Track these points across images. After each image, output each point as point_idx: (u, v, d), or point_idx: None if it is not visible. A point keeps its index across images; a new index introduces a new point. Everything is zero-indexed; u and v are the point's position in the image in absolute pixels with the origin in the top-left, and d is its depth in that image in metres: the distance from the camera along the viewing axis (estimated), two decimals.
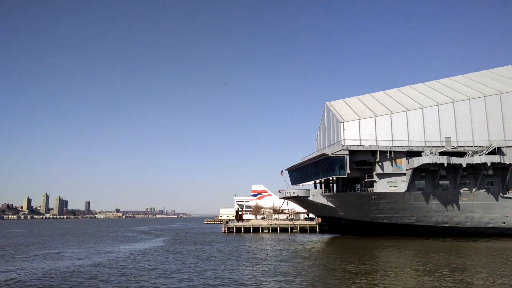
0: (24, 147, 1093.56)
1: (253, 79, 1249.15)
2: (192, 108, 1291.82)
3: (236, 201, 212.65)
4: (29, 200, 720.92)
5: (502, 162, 75.90)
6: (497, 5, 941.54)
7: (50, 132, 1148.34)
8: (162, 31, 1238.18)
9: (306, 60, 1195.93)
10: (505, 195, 78.57)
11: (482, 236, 77.41)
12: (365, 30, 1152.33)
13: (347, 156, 77.23)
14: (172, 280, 34.71)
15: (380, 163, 79.02)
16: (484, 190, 78.72)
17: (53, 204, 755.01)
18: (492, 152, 78.37)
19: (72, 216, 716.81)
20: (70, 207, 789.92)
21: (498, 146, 79.24)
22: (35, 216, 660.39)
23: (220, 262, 46.28)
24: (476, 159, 75.72)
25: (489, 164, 75.20)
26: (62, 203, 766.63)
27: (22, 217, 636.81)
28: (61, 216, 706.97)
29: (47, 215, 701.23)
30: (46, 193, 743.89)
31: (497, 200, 78.53)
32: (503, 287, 29.69)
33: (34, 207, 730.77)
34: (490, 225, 78.80)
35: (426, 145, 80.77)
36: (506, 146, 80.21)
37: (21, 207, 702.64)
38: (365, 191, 79.27)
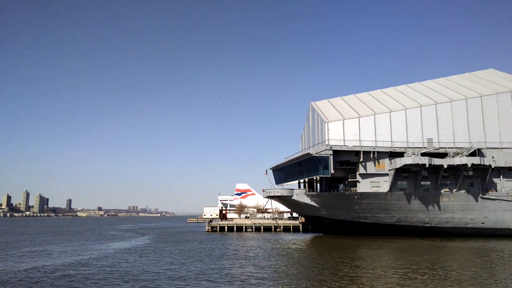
0: (3, 144, 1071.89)
1: (238, 79, 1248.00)
2: (175, 107, 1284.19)
3: (220, 200, 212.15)
4: (8, 198, 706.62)
5: (482, 163, 77.38)
6: (480, 8, 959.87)
7: (30, 129, 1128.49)
8: (149, 30, 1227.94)
9: (292, 59, 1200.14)
10: (484, 196, 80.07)
11: (462, 236, 78.74)
12: (351, 31, 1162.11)
13: (331, 156, 77.79)
14: (151, 277, 34.44)
15: (363, 163, 79.78)
16: (464, 191, 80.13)
17: (34, 201, 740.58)
18: (473, 154, 79.84)
19: (53, 214, 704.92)
20: (51, 205, 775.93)
21: (479, 147, 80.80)
22: (14, 214, 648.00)
23: (203, 260, 46.07)
24: (457, 160, 77.05)
25: (469, 166, 76.58)
26: (43, 201, 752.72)
27: (2, 214, 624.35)
28: (42, 214, 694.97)
29: (27, 212, 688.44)
30: (26, 191, 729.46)
31: (476, 201, 79.99)
32: (479, 285, 30.21)
33: (14, 204, 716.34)
34: (470, 225, 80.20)
35: (409, 146, 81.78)
36: (486, 148, 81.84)
37: (1, 205, 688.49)
38: (348, 191, 79.86)
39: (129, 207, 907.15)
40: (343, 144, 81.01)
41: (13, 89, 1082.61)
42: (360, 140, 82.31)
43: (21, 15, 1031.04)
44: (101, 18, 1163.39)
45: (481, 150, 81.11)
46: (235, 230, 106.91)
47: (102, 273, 37.44)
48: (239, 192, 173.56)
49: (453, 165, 77.21)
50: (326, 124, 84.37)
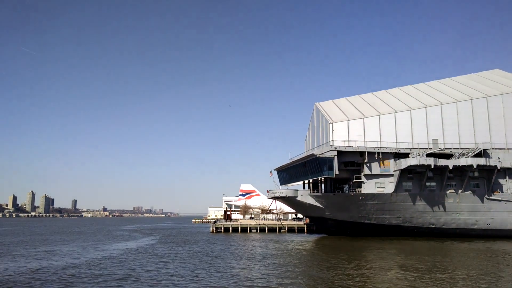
0: (9, 144, 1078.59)
1: (242, 79, 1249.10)
2: (180, 107, 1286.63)
3: (225, 201, 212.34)
4: (14, 198, 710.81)
5: (488, 164, 76.97)
6: (486, 7, 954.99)
7: (36, 129, 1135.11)
8: (152, 31, 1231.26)
9: (296, 60, 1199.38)
10: (490, 197, 79.63)
11: (467, 237, 78.34)
12: (355, 31, 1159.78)
13: (336, 157, 77.61)
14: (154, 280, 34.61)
15: (368, 164, 79.60)
16: (469, 192, 79.74)
17: (39, 202, 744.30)
18: (478, 155, 79.48)
19: (58, 215, 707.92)
20: (57, 205, 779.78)
21: (484, 148, 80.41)
22: (20, 214, 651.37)
23: (209, 261, 46.21)
24: (463, 161, 76.69)
25: (475, 166, 76.20)
26: (48, 201, 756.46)
27: (7, 215, 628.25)
28: (47, 215, 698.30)
29: (33, 213, 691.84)
30: (32, 191, 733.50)
31: (482, 202, 79.57)
32: (485, 287, 30.15)
33: (19, 205, 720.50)
34: (475, 227, 79.80)
35: (414, 147, 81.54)
36: (492, 148, 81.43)
37: (6, 205, 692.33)
38: (353, 191, 79.73)
39: (134, 207, 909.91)
40: (347, 145, 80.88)
41: (17, 89, 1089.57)
42: (365, 141, 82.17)
43: (21, 13, 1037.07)
44: (103, 17, 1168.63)
45: (487, 151, 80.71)
46: (239, 230, 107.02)
47: (114, 273, 37.67)
48: (243, 193, 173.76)
49: (459, 166, 76.86)
50: (330, 124, 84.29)
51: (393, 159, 79.83)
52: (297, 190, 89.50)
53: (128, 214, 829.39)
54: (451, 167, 76.75)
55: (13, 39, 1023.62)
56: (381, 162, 79.88)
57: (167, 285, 31.95)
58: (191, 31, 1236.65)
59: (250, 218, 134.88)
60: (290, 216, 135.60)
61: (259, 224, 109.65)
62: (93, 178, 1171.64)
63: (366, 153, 79.08)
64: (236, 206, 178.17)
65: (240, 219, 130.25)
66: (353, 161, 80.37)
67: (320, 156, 78.03)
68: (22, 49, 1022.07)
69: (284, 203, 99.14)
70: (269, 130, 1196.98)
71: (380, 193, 78.74)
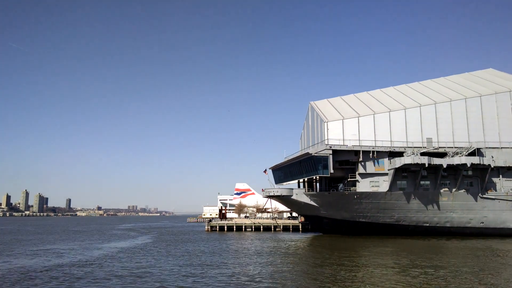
0: (3, 143, 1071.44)
1: (237, 78, 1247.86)
2: (175, 106, 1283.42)
3: (220, 200, 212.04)
4: (8, 197, 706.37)
5: (482, 163, 77.48)
6: (479, 7, 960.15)
7: (30, 128, 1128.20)
8: (150, 30, 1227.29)
9: (291, 59, 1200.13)
10: (484, 196, 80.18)
11: (461, 235, 78.81)
12: (350, 31, 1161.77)
13: (331, 156, 77.86)
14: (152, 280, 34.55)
15: (362, 163, 79.87)
16: (463, 190, 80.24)
17: (33, 201, 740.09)
18: (472, 153, 79.99)
19: (52, 214, 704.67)
20: (51, 204, 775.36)
21: (478, 147, 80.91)
22: (14, 213, 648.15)
23: (205, 258, 46.21)
24: (456, 160, 77.16)
25: (468, 165, 76.68)
26: (42, 200, 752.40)
27: (1, 214, 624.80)
28: (41, 214, 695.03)
29: (27, 212, 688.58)
30: (25, 190, 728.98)
31: (476, 200, 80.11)
32: (480, 285, 30.30)
33: (13, 204, 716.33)
34: (469, 225, 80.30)
35: (408, 146, 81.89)
36: (486, 147, 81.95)
37: (0, 204, 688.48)
38: (347, 190, 79.97)
39: (129, 206, 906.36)
40: (342, 144, 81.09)
41: (9, 87, 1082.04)
42: (359, 140, 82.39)
43: (18, 12, 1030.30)
44: (102, 17, 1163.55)
45: (481, 149, 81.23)
46: (234, 229, 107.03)
47: (112, 271, 37.57)
48: (238, 192, 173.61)
49: (453, 164, 77.33)
50: (325, 123, 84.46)
51: (387, 158, 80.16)
52: (292, 189, 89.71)
53: (123, 213, 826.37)
54: (445, 166, 77.21)
55: (2, 35, 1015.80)
56: (375, 161, 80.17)
57: (164, 283, 31.89)
58: (186, 29, 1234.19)
59: (245, 217, 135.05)
60: (285, 215, 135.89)
61: (254, 223, 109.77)
62: (87, 177, 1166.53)
63: (361, 152, 79.36)
64: (231, 205, 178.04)
65: (235, 218, 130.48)
66: (348, 160, 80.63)
67: (315, 155, 78.21)
68: (11, 45, 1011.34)
69: (279, 202, 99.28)
70: (264, 129, 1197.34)
71: (375, 191, 79.04)
